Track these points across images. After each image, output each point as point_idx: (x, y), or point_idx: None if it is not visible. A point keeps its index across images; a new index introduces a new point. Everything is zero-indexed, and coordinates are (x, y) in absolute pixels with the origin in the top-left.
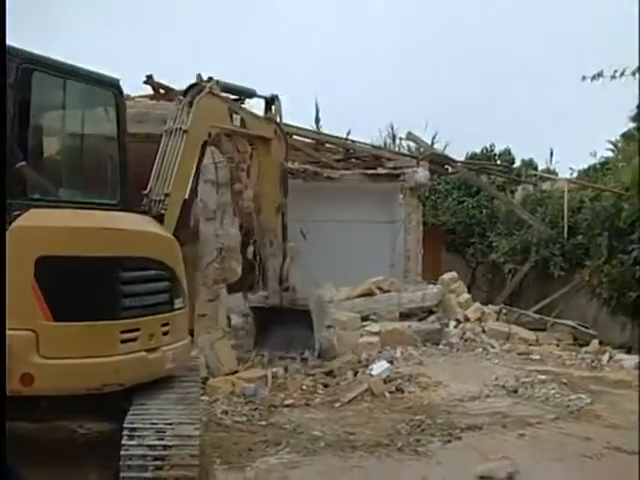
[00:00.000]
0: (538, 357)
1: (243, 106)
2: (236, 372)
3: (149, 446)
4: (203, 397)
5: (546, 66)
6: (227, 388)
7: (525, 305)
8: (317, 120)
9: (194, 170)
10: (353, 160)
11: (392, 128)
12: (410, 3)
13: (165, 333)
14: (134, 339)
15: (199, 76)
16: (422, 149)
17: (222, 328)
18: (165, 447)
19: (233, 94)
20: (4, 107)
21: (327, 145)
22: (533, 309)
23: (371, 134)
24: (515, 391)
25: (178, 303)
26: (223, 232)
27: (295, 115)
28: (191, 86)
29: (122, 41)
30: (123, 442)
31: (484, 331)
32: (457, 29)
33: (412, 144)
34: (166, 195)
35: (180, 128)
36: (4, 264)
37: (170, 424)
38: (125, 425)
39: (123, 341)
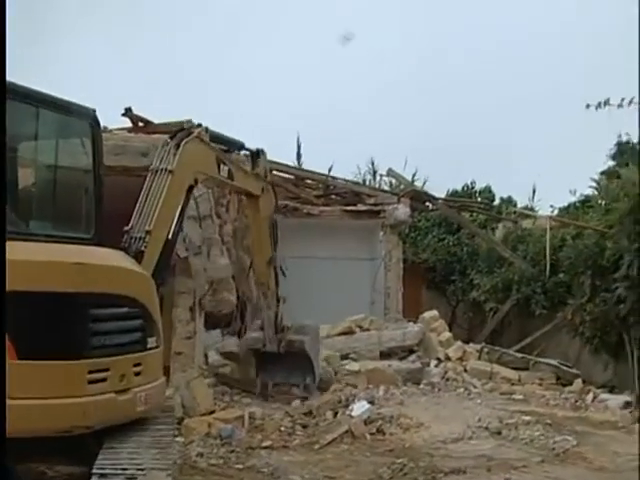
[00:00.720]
0: (521, 397)
1: (233, 158)
2: (213, 412)
3: None
4: (178, 438)
5: (527, 102)
6: (203, 429)
7: (507, 343)
8: (299, 156)
9: (178, 212)
10: (333, 196)
11: (372, 164)
12: (389, 38)
13: (137, 373)
14: (103, 379)
15: (189, 121)
16: (402, 186)
17: (199, 366)
18: None
19: (222, 144)
20: (4, 112)
21: (307, 181)
22: (515, 348)
23: (352, 170)
24: (499, 432)
25: (151, 342)
26: (211, 265)
27: (276, 151)
28: (179, 130)
29: (100, 72)
30: None
31: (466, 370)
32: (436, 65)
33: (393, 180)
34: (147, 232)
35: (165, 169)
36: (4, 266)
37: (142, 469)
38: (94, 470)
39: (91, 381)
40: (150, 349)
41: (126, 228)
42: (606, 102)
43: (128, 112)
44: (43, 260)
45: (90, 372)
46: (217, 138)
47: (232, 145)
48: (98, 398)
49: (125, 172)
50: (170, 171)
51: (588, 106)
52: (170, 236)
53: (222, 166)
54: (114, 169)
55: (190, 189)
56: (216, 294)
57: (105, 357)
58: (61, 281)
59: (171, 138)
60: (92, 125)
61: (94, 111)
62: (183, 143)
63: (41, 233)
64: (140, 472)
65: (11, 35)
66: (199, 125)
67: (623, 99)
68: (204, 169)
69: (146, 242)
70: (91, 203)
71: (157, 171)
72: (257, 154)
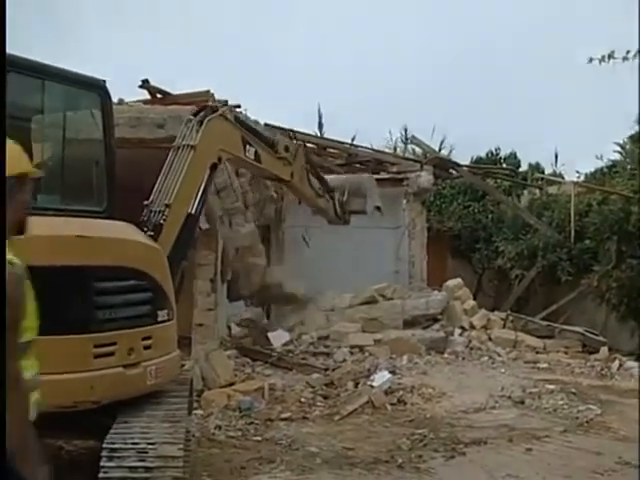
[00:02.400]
0: (546, 365)
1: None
2: (233, 384)
3: (129, 468)
4: (197, 411)
5: (551, 65)
6: (222, 401)
7: (532, 311)
8: (320, 126)
9: (201, 188)
10: (356, 165)
11: (405, 131)
12: (412, 6)
13: (147, 347)
14: (110, 354)
15: (207, 92)
16: (427, 153)
17: (222, 337)
18: (147, 469)
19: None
20: (4, 108)
21: (329, 150)
22: (540, 315)
23: (378, 139)
24: (522, 402)
25: (163, 315)
26: (232, 234)
27: (298, 120)
28: (203, 107)
29: (119, 45)
30: (102, 464)
31: (490, 339)
32: (461, 32)
33: (417, 148)
34: (167, 206)
35: (188, 145)
36: (4, 263)
37: (152, 444)
38: (105, 445)
39: (97, 356)
40: (161, 322)
41: (146, 202)
42: (610, 55)
43: (145, 84)
44: (45, 234)
45: (96, 346)
46: (243, 123)
47: (258, 135)
48: (105, 372)
49: (141, 144)
50: (192, 147)
51: (591, 60)
52: (193, 211)
53: (248, 147)
54: (130, 141)
55: (214, 167)
56: (243, 259)
57: (111, 331)
58: (63, 254)
59: (195, 115)
60: (102, 96)
61: (104, 82)
62: (207, 120)
63: (50, 207)
64: (151, 446)
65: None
66: (225, 103)
67: (628, 51)
68: (228, 147)
69: (165, 216)
70: (103, 176)
71: (179, 148)
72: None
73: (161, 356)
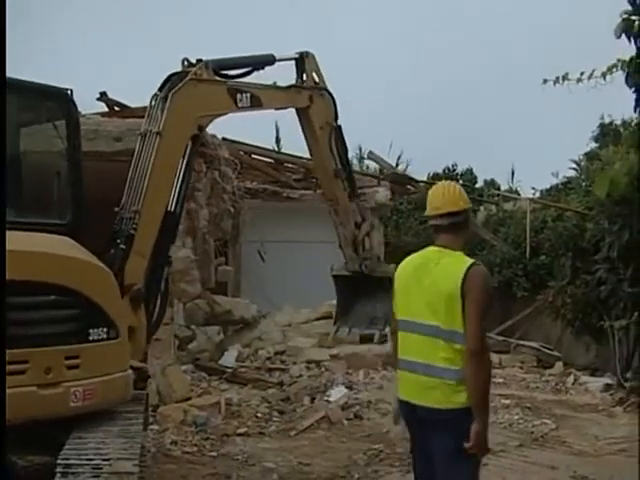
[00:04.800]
0: (501, 380)
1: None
2: (189, 399)
3: None
4: (153, 426)
5: (512, 85)
6: (178, 416)
7: (489, 327)
8: (277, 140)
9: (180, 175)
10: (313, 180)
11: (360, 150)
12: (366, 18)
13: (72, 367)
14: (21, 372)
15: (184, 61)
16: (384, 169)
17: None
18: None
19: (237, 68)
20: (4, 109)
21: (287, 165)
22: (496, 331)
23: None
24: None
25: (97, 334)
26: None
27: (255, 135)
28: (171, 76)
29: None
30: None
31: None
32: (417, 47)
33: (374, 164)
34: (135, 212)
35: (152, 131)
36: (4, 264)
37: (107, 460)
38: (59, 461)
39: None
40: (95, 341)
41: (116, 209)
42: (564, 77)
43: (103, 96)
44: None
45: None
46: (227, 64)
47: (257, 63)
48: (14, 391)
49: (99, 157)
50: (157, 133)
51: (545, 81)
52: (172, 207)
53: (240, 95)
54: (88, 154)
55: (195, 140)
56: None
57: (23, 348)
58: None
59: (160, 89)
60: (65, 107)
61: (69, 92)
62: (171, 95)
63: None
64: (105, 462)
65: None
66: (198, 61)
67: (582, 73)
68: (210, 110)
69: (135, 224)
70: (66, 188)
71: (145, 135)
72: (302, 59)
73: (96, 377)
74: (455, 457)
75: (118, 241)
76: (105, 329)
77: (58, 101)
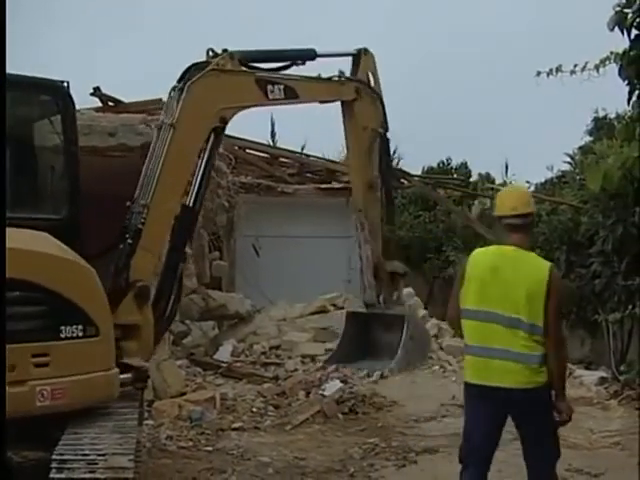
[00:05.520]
0: None
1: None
2: (184, 394)
3: None
4: (148, 421)
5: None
6: (173, 411)
7: None
8: (272, 134)
9: (200, 169)
10: (307, 174)
11: None
12: (362, 13)
13: (41, 365)
14: None
15: (209, 51)
16: None
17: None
18: None
19: (272, 61)
20: (4, 108)
21: (281, 159)
22: None
23: (330, 148)
24: None
25: (71, 332)
26: None
27: (250, 129)
28: (189, 67)
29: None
30: (51, 475)
31: (441, 348)
32: (411, 41)
33: None
34: (144, 207)
35: (167, 123)
36: (4, 264)
37: (103, 455)
38: (54, 456)
39: None
40: (68, 339)
41: (128, 203)
42: (558, 69)
43: (97, 91)
44: None
45: None
46: (266, 56)
47: (295, 57)
48: None
49: (93, 152)
50: (171, 125)
51: (539, 73)
52: (191, 202)
53: (271, 86)
54: (82, 149)
55: (218, 132)
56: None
57: None
58: None
59: (179, 80)
60: (61, 100)
61: (65, 85)
62: (187, 86)
63: None
64: (101, 457)
65: None
66: (224, 51)
67: (575, 65)
68: (234, 102)
69: (143, 218)
70: (62, 183)
71: (161, 127)
72: (358, 56)
73: (68, 376)
74: (544, 428)
75: (127, 236)
76: (81, 327)
77: (54, 94)
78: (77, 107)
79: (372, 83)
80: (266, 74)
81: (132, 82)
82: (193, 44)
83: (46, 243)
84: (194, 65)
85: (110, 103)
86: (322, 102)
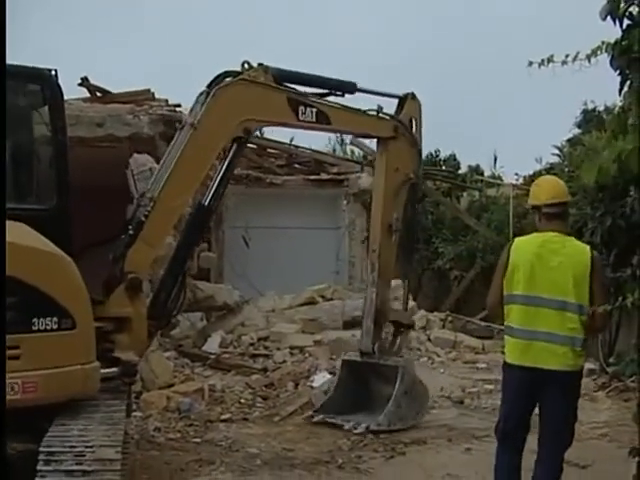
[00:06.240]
0: (485, 365)
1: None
2: (172, 385)
3: (66, 472)
4: (136, 413)
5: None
6: (161, 402)
7: (471, 312)
8: None
9: (219, 173)
10: (296, 165)
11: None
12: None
13: (11, 357)
14: None
15: (244, 64)
16: (367, 155)
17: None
18: (84, 472)
19: (305, 85)
20: (4, 108)
21: (270, 150)
22: (479, 316)
23: (317, 140)
24: (461, 402)
25: (45, 324)
26: None
27: None
28: (221, 74)
29: (58, 41)
30: (39, 467)
31: (429, 339)
32: (401, 31)
33: (357, 149)
34: (150, 200)
35: (189, 123)
36: (4, 263)
37: (91, 447)
38: (42, 448)
39: None
40: (41, 331)
41: (137, 197)
42: (549, 59)
43: (85, 82)
44: None
45: None
46: (301, 79)
47: (332, 87)
48: None
49: (80, 143)
50: (192, 124)
51: (530, 63)
52: (207, 201)
53: (302, 108)
54: (69, 140)
55: (241, 142)
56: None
57: None
58: None
59: (210, 85)
60: (47, 89)
61: (53, 74)
62: (214, 90)
63: None
64: (88, 449)
65: None
66: (259, 64)
67: (567, 55)
68: (261, 115)
69: (148, 211)
70: (50, 173)
71: (183, 127)
72: (404, 98)
73: (40, 369)
74: (569, 412)
75: (129, 227)
76: (56, 319)
77: (42, 83)
78: (65, 97)
79: (414, 129)
80: (299, 95)
81: (126, 74)
82: (192, 43)
83: (20, 233)
84: (226, 72)
85: (98, 93)
86: (356, 135)
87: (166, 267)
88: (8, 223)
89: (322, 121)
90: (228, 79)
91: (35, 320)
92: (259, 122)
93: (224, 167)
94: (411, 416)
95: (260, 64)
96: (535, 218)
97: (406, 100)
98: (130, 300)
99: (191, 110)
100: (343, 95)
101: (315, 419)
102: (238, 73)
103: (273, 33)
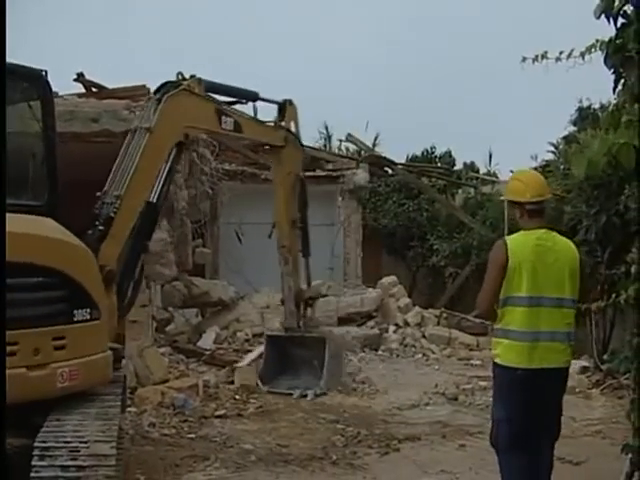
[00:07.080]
0: (479, 362)
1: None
2: (166, 381)
3: (61, 467)
4: (130, 408)
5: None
6: (156, 398)
7: (466, 309)
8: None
9: (163, 174)
10: None
11: (326, 129)
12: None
13: (59, 348)
14: (11, 353)
15: (178, 74)
16: (362, 151)
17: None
18: (79, 468)
19: (225, 95)
20: (4, 108)
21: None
22: (474, 313)
23: (311, 137)
24: (455, 398)
25: (82, 315)
26: None
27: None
28: (164, 84)
29: (53, 37)
30: (33, 462)
31: (424, 336)
32: (394, 30)
33: (352, 146)
34: (117, 197)
35: (143, 127)
36: (4, 263)
37: (85, 442)
38: (37, 444)
39: None
40: (79, 322)
41: (98, 193)
42: (543, 55)
43: (80, 77)
44: None
45: None
46: (217, 89)
47: (243, 96)
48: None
49: (75, 138)
50: (148, 129)
51: (524, 59)
52: (155, 199)
53: (224, 118)
54: (64, 135)
55: (181, 146)
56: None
57: (13, 330)
58: None
59: (155, 93)
60: (40, 88)
61: (44, 73)
62: (165, 98)
63: None
64: (83, 445)
65: None
66: (191, 76)
67: (561, 52)
68: (197, 123)
69: (116, 208)
70: (42, 170)
71: (135, 130)
72: (284, 105)
73: (79, 357)
74: (560, 407)
75: (97, 223)
76: (88, 310)
77: (33, 82)
78: (60, 93)
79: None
80: (222, 106)
81: (121, 69)
82: (188, 39)
83: (53, 228)
84: (169, 82)
85: (93, 89)
86: (257, 144)
87: (124, 260)
88: (36, 219)
89: (237, 130)
90: (171, 88)
91: (75, 312)
92: (194, 129)
93: (166, 169)
94: (338, 380)
95: (192, 76)
96: (515, 214)
97: (286, 107)
98: (106, 291)
99: (141, 115)
100: (247, 103)
101: (263, 390)
102: (178, 82)
103: (273, 33)
